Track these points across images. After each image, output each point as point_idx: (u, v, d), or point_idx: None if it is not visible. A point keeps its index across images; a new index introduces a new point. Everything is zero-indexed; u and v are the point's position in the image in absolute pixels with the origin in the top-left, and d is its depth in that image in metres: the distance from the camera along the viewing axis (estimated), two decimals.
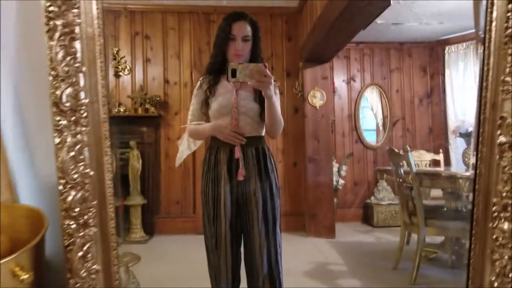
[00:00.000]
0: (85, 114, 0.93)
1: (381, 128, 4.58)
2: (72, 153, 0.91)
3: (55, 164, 0.93)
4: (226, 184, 1.42)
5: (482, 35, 0.94)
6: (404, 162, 2.48)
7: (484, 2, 0.91)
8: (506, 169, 0.86)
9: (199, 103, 1.52)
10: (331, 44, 3.25)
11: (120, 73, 3.82)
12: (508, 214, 0.87)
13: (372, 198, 4.29)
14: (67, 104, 0.92)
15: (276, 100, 1.41)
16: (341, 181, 4.12)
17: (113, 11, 3.79)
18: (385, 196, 4.24)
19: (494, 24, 0.86)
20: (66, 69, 0.92)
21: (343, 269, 2.73)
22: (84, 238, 0.89)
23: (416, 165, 2.75)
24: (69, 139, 0.91)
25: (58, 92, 0.92)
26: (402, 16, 3.71)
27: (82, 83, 0.93)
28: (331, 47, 3.36)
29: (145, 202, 3.58)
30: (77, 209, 0.89)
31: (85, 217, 0.89)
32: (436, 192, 3.15)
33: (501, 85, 0.86)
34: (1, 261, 0.81)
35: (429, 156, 3.55)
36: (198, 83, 1.56)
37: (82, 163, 0.91)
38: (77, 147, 0.91)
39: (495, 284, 0.87)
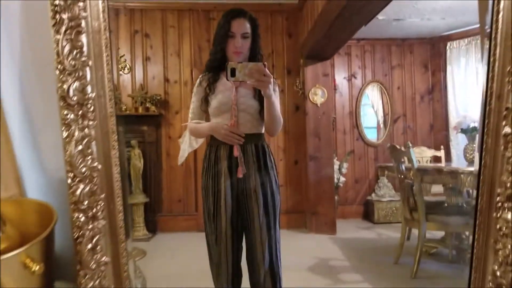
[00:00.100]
0: (92, 108, 0.94)
1: (382, 125, 4.58)
2: (80, 147, 0.92)
3: (62, 159, 0.94)
4: (226, 181, 1.43)
5: (489, 30, 0.94)
6: (406, 158, 2.49)
7: None
8: (511, 160, 0.87)
9: (199, 100, 1.53)
10: (332, 41, 3.25)
11: (120, 72, 3.83)
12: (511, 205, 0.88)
13: (373, 195, 4.31)
14: (74, 98, 0.93)
15: (276, 98, 1.42)
16: (342, 179, 4.13)
17: (112, 9, 3.79)
18: (385, 192, 4.25)
19: (501, 14, 0.87)
20: (73, 63, 0.92)
21: (345, 264, 2.75)
22: (93, 231, 0.90)
23: (417, 161, 2.76)
24: (76, 133, 0.92)
25: (65, 86, 0.92)
26: (403, 12, 3.71)
27: (88, 77, 0.94)
28: (332, 44, 3.37)
29: (147, 201, 3.59)
30: (85, 202, 0.90)
31: (94, 210, 0.91)
32: (437, 189, 3.16)
33: (507, 76, 0.87)
34: (13, 253, 0.82)
35: (430, 153, 3.57)
36: (198, 80, 1.56)
37: (90, 157, 0.92)
38: (85, 141, 0.92)
39: (498, 273, 0.88)
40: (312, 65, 3.77)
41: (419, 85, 4.57)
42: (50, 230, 0.91)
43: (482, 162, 0.94)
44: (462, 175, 2.12)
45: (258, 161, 1.45)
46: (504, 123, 0.89)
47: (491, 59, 0.92)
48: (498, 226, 0.88)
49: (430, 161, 3.51)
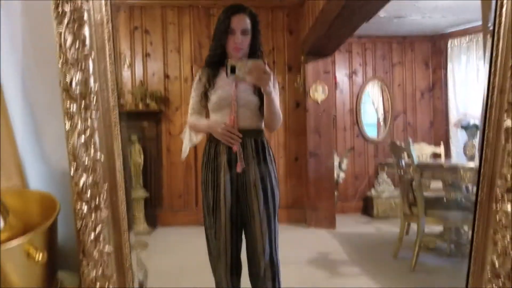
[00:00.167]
0: (94, 100, 0.94)
1: (382, 123, 4.59)
2: (83, 138, 0.92)
3: (65, 150, 0.94)
4: (226, 175, 1.43)
5: (491, 27, 0.95)
6: (406, 154, 2.50)
7: None
8: None
9: (198, 96, 1.53)
10: (333, 38, 3.25)
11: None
12: (511, 196, 0.89)
13: (372, 190, 4.33)
14: (77, 90, 0.93)
15: (275, 95, 1.43)
16: (342, 175, 4.14)
17: (113, 5, 3.78)
18: (385, 188, 4.27)
19: (504, 8, 0.87)
20: (75, 55, 0.93)
21: (344, 258, 2.77)
22: (96, 221, 0.91)
23: (417, 158, 2.77)
24: (79, 125, 0.93)
25: (67, 78, 0.93)
26: (405, 10, 3.71)
27: (91, 69, 0.94)
28: (333, 41, 3.36)
29: (148, 196, 3.60)
30: (88, 193, 0.91)
31: (97, 200, 0.91)
32: (436, 185, 3.18)
33: (509, 70, 0.87)
34: (16, 240, 0.83)
35: (430, 149, 3.58)
36: (197, 76, 1.55)
37: (92, 148, 0.93)
38: (88, 132, 0.93)
39: (497, 263, 0.89)
40: (313, 61, 3.77)
41: (420, 82, 4.57)
42: (53, 220, 0.92)
43: (483, 155, 0.94)
44: (461, 171, 2.14)
45: (258, 156, 1.45)
46: (505, 116, 0.90)
47: (494, 54, 0.92)
48: (497, 218, 0.89)
49: (430, 157, 3.53)
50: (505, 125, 0.89)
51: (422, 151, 3.51)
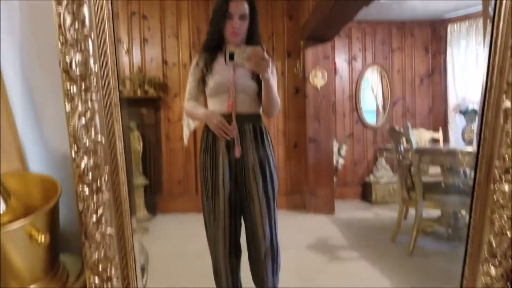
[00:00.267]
0: (95, 82, 0.93)
1: (381, 109, 4.59)
2: (83, 120, 0.92)
3: (65, 132, 0.94)
4: (224, 160, 1.44)
5: (492, 11, 0.94)
6: (404, 140, 2.51)
7: None
8: (510, 133, 0.89)
9: (195, 81, 1.51)
10: (333, 23, 3.21)
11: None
12: (509, 177, 0.90)
13: (371, 176, 4.36)
14: (77, 71, 0.92)
15: (273, 81, 1.42)
16: (341, 161, 4.16)
17: None
18: (383, 174, 4.30)
19: None
20: (75, 35, 0.91)
21: (343, 242, 2.81)
22: (97, 203, 0.91)
23: (416, 143, 2.78)
24: (80, 107, 0.92)
25: (67, 59, 0.92)
26: None
27: (91, 50, 0.93)
28: (333, 26, 3.33)
29: (147, 183, 3.62)
30: (90, 175, 0.91)
31: (98, 183, 0.92)
32: (434, 170, 3.20)
33: (509, 50, 0.87)
34: (18, 222, 0.84)
35: (428, 134, 3.59)
36: (194, 60, 1.53)
37: (93, 130, 0.92)
38: (88, 114, 0.92)
39: (493, 243, 0.91)
40: (313, 47, 3.73)
41: (419, 67, 4.55)
42: (55, 202, 0.93)
43: (482, 136, 0.95)
44: (460, 155, 2.15)
45: (256, 141, 1.46)
46: (504, 97, 0.90)
47: (494, 34, 0.92)
48: (495, 198, 0.90)
49: (429, 143, 3.54)
50: (504, 105, 0.90)
51: (420, 137, 3.53)
